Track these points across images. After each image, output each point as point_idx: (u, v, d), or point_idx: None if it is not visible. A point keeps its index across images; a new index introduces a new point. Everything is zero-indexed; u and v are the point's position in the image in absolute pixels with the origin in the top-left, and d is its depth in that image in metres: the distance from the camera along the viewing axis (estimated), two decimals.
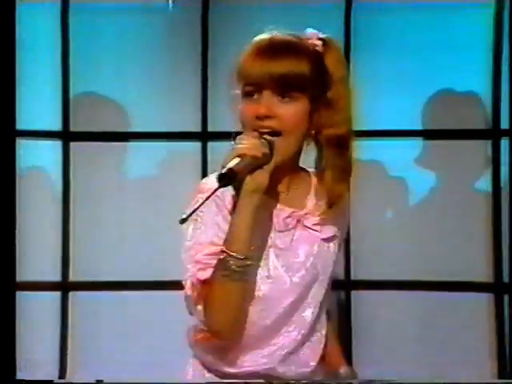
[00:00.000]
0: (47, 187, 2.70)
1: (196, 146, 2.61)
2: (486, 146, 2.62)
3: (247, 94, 1.46)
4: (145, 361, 2.64)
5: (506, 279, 2.61)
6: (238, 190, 1.44)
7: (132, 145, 2.67)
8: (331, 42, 1.53)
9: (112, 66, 2.68)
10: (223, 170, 1.38)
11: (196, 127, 2.61)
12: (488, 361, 2.70)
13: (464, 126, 2.62)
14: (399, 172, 2.61)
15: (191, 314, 1.52)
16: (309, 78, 1.45)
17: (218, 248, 1.46)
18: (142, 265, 2.63)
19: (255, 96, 1.45)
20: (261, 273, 1.52)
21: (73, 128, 2.64)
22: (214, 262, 1.46)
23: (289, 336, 1.56)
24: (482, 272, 2.60)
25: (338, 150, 1.50)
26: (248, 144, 1.42)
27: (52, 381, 2.56)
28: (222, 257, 1.45)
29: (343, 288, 2.63)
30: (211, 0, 2.68)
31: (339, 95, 1.49)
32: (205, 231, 1.49)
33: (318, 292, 1.56)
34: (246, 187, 1.41)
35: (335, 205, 1.53)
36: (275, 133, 1.44)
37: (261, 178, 1.42)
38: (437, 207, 2.65)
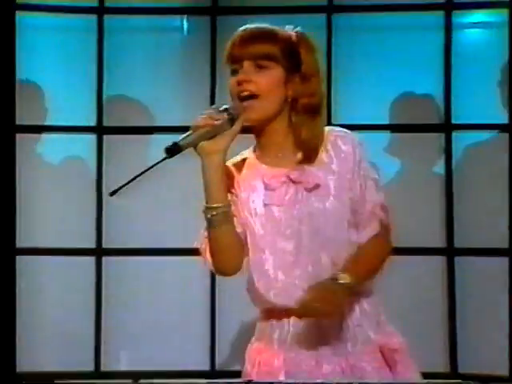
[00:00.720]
0: (85, 172, 2.90)
1: None
2: (440, 138, 2.83)
3: (233, 72, 1.67)
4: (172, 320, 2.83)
5: (456, 245, 2.78)
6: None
7: (154, 137, 2.88)
8: (304, 34, 1.72)
9: (138, 73, 2.85)
10: (169, 144, 1.57)
11: None
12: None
13: (422, 121, 2.86)
14: (373, 158, 2.64)
15: (209, 268, 1.72)
16: (280, 53, 1.66)
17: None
18: (161, 234, 2.81)
19: (239, 72, 1.65)
20: (260, 226, 1.67)
21: (105, 123, 2.87)
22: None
23: (305, 275, 1.64)
24: (436, 238, 2.77)
25: (311, 115, 1.67)
26: (202, 118, 1.59)
27: (52, 381, 2.72)
28: (203, 211, 1.64)
29: None
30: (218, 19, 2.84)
31: (312, 73, 1.69)
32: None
33: (322, 233, 1.64)
34: (202, 151, 1.59)
35: (313, 160, 1.67)
36: (252, 96, 1.63)
37: (220, 141, 1.59)
38: (401, 186, 2.86)
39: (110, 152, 2.89)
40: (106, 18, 2.89)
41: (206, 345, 2.83)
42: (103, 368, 2.85)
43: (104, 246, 2.89)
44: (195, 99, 2.85)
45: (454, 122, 2.85)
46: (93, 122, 2.89)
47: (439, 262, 2.84)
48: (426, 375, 2.52)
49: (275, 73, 1.65)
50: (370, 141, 2.69)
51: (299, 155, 1.70)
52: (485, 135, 2.87)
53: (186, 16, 2.90)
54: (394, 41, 2.83)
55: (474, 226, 2.81)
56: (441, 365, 2.78)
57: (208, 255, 1.72)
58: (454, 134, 2.84)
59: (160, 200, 2.87)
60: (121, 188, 1.57)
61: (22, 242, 2.78)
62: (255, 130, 1.72)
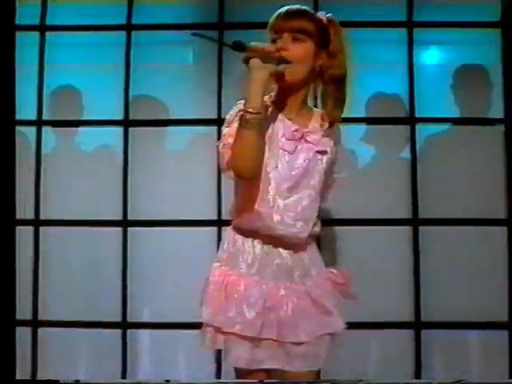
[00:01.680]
0: (113, 158, 3.11)
1: (213, 128, 2.99)
2: (406, 129, 3.06)
3: (273, 41, 1.94)
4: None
5: (420, 215, 2.99)
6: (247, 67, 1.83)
7: (170, 129, 3.13)
8: (334, 19, 1.99)
9: (157, 77, 3.07)
10: (238, 40, 1.83)
11: (213, 115, 3.01)
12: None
13: (392, 115, 3.09)
14: (351, 145, 3.02)
15: (223, 167, 1.93)
16: (313, 30, 1.94)
17: (238, 111, 1.88)
18: (176, 207, 3.03)
19: (278, 41, 1.93)
20: (272, 164, 1.93)
21: (131, 117, 3.11)
22: (236, 126, 1.87)
23: (291, 212, 1.93)
24: (402, 210, 3.00)
25: (337, 85, 1.96)
26: (266, 45, 1.89)
27: (50, 380, 2.82)
28: (240, 113, 1.86)
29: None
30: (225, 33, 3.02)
31: (338, 50, 1.96)
32: (231, 126, 1.93)
33: (310, 185, 1.95)
34: (254, 64, 1.86)
35: (329, 131, 1.96)
36: (287, 61, 1.91)
37: (267, 66, 1.86)
38: (375, 169, 3.08)
39: (135, 141, 3.12)
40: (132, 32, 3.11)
41: None
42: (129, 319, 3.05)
43: (129, 218, 3.07)
44: (204, 98, 3.07)
45: (417, 115, 3.08)
46: (120, 117, 3.12)
47: (406, 231, 3.03)
48: (393, 324, 2.94)
49: (307, 46, 1.94)
50: (349, 132, 2.88)
51: (313, 121, 1.99)
52: (441, 127, 3.11)
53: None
54: (369, 51, 3.00)
55: (435, 200, 3.02)
56: (407, 315, 3.00)
57: (227, 155, 1.91)
58: (417, 126, 3.09)
59: (175, 180, 3.06)
60: (200, 36, 1.85)
61: (61, 215, 3.05)
62: (284, 88, 1.97)
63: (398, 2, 3.09)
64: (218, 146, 1.98)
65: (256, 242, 1.99)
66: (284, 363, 2.00)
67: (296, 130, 1.96)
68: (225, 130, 1.97)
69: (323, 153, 1.98)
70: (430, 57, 3.17)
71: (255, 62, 1.85)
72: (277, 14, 1.95)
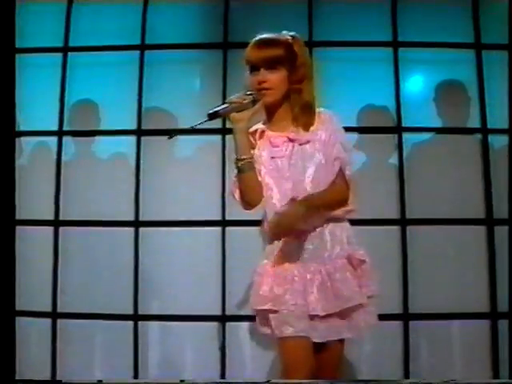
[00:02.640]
0: (126, 164, 3.24)
1: (218, 137, 3.15)
2: (394, 138, 3.19)
3: (251, 71, 2.15)
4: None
5: (408, 216, 3.09)
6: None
7: (179, 137, 3.04)
8: (296, 36, 2.18)
9: (167, 91, 3.21)
10: (211, 111, 2.05)
11: (218, 125, 3.07)
12: None
13: (381, 124, 3.22)
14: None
15: (237, 199, 2.16)
16: (284, 58, 2.13)
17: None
18: (184, 209, 3.16)
19: (255, 72, 2.14)
20: (270, 173, 2.14)
21: (143, 127, 3.24)
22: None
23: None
24: (391, 211, 3.11)
25: (300, 94, 2.14)
26: (235, 97, 2.11)
27: (49, 381, 2.98)
28: (235, 162, 2.11)
29: None
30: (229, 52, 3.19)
31: (302, 64, 2.15)
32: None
33: (311, 175, 2.10)
34: (233, 119, 2.10)
35: (306, 127, 2.14)
36: (268, 89, 2.11)
37: (246, 114, 2.09)
38: (366, 173, 3.17)
39: (146, 149, 3.24)
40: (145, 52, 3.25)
41: (218, 296, 3.11)
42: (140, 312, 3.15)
43: (140, 219, 3.18)
44: (210, 109, 2.82)
45: (403, 125, 3.22)
46: (133, 127, 3.25)
47: (395, 230, 3.14)
48: (383, 316, 2.92)
49: (281, 73, 2.14)
50: None
51: (294, 125, 2.15)
52: (426, 135, 3.25)
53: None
54: (360, 68, 3.18)
55: (421, 201, 3.15)
56: (396, 308, 3.11)
57: (237, 193, 2.18)
58: (404, 135, 3.22)
59: (184, 184, 3.19)
60: (197, 124, 2.03)
61: (79, 216, 3.20)
62: (267, 109, 2.18)
63: (384, 24, 3.24)
64: (232, 181, 2.20)
65: (283, 239, 2.15)
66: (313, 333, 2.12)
67: (279, 136, 2.16)
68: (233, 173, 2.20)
69: (307, 142, 2.15)
70: (415, 72, 3.30)
71: (234, 116, 2.10)
72: (249, 47, 2.15)
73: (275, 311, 2.12)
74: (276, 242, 2.16)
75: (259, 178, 2.15)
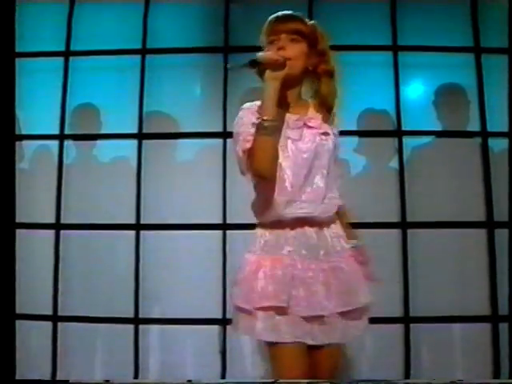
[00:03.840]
0: (127, 167, 3.18)
1: (219, 141, 3.10)
2: (394, 141, 3.15)
3: (270, 42, 2.03)
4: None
5: (408, 219, 3.04)
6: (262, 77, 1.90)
7: (180, 141, 3.21)
8: (318, 24, 2.10)
9: (168, 95, 3.16)
10: (251, 58, 1.92)
11: (219, 129, 3.09)
12: None
13: (381, 128, 3.17)
14: (345, 156, 2.98)
15: (242, 170, 1.96)
16: (305, 32, 2.05)
17: (255, 121, 1.93)
18: (185, 212, 3.10)
19: (275, 42, 2.03)
20: (283, 153, 1.98)
21: (144, 131, 3.18)
22: (253, 132, 1.91)
23: (309, 193, 1.99)
24: (391, 214, 3.06)
25: (329, 78, 2.07)
26: (270, 55, 1.97)
27: (50, 380, 2.91)
28: (258, 121, 1.92)
29: None
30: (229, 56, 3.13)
31: (325, 49, 2.08)
32: (245, 124, 1.98)
33: (321, 165, 2.02)
34: (268, 75, 1.95)
35: (327, 116, 2.05)
36: (287, 58, 1.99)
37: (279, 73, 1.95)
38: (367, 177, 3.18)
39: (147, 153, 3.19)
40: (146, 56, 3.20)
41: (218, 299, 3.04)
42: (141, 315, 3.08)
43: (141, 222, 3.13)
44: (211, 113, 3.16)
45: (403, 129, 3.17)
46: (134, 131, 3.20)
47: (396, 233, 3.09)
48: (381, 319, 2.90)
49: (302, 45, 2.05)
50: (343, 143, 2.77)
51: (311, 109, 2.07)
52: (426, 139, 3.20)
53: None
54: (360, 72, 3.09)
55: (421, 205, 3.09)
56: (397, 311, 3.06)
57: (247, 159, 1.95)
58: (404, 139, 3.17)
59: (184, 188, 3.13)
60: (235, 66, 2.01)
61: (80, 220, 3.13)
62: (284, 82, 2.00)
63: (383, 27, 3.20)
64: (237, 151, 1.98)
65: (282, 229, 2.02)
66: (308, 337, 1.98)
67: (298, 119, 2.04)
68: (239, 134, 1.99)
69: (326, 134, 2.07)
70: (414, 76, 3.25)
71: (268, 74, 1.95)
72: (273, 18, 2.06)
73: (268, 309, 1.95)
74: (273, 233, 2.01)
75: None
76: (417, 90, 3.25)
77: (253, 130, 1.96)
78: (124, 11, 3.24)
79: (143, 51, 3.23)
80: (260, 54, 1.95)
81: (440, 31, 3.20)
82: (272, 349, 1.98)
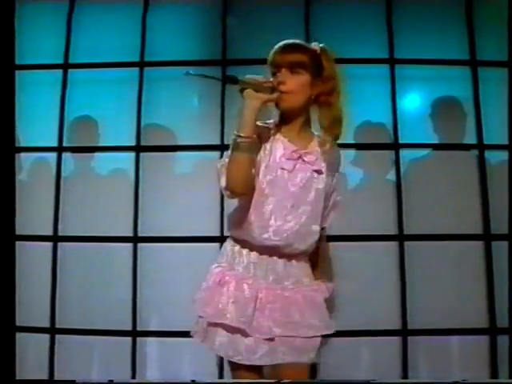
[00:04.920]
0: (125, 180, 3.14)
1: (217, 153, 3.00)
2: (391, 154, 3.11)
3: (273, 74, 1.98)
4: None
5: (405, 231, 3.01)
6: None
7: (178, 154, 3.18)
8: (326, 48, 2.03)
9: (166, 108, 3.14)
10: (231, 74, 1.89)
11: (217, 142, 3.06)
12: None
13: (378, 141, 3.13)
14: (342, 169, 2.58)
15: (220, 186, 1.92)
16: (308, 62, 1.98)
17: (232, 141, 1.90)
18: (183, 225, 3.05)
19: (277, 74, 1.97)
20: (272, 181, 1.96)
21: (142, 144, 3.15)
22: (229, 153, 1.91)
23: (288, 225, 1.96)
24: (389, 227, 3.02)
25: (332, 106, 2.00)
26: (259, 77, 1.94)
27: (50, 380, 2.87)
28: (233, 138, 1.90)
29: None
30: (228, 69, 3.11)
31: (330, 76, 2.01)
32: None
33: (307, 201, 1.98)
34: (247, 94, 1.91)
35: (329, 152, 1.99)
36: (286, 92, 1.94)
37: (260, 95, 1.91)
38: (364, 190, 3.14)
39: (145, 165, 3.16)
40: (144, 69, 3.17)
41: None
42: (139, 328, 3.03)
43: (139, 234, 3.09)
44: (208, 126, 3.13)
45: (400, 142, 3.13)
46: (132, 143, 3.17)
47: (393, 245, 3.05)
48: (379, 332, 2.94)
49: (303, 77, 1.98)
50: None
51: (313, 143, 2.01)
52: (423, 152, 3.16)
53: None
54: (357, 84, 2.97)
55: (418, 217, 3.06)
56: (395, 323, 3.01)
57: (223, 174, 1.94)
58: (401, 151, 3.14)
59: (182, 200, 3.09)
60: (196, 75, 1.90)
61: (78, 232, 3.08)
62: (285, 114, 2.01)
63: (380, 41, 3.17)
64: (217, 167, 1.99)
65: (252, 252, 2.00)
66: (269, 358, 1.97)
67: (295, 151, 1.99)
68: (225, 153, 2.01)
69: (319, 172, 2.01)
70: (411, 89, 3.22)
71: (248, 92, 1.90)
72: (274, 49, 2.00)
73: (225, 326, 1.96)
74: (246, 254, 1.99)
75: (263, 181, 1.95)
76: (413, 103, 3.22)
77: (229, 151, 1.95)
78: (122, 23, 3.21)
79: (141, 64, 3.20)
80: (248, 76, 1.91)
81: (436, 44, 3.16)
82: (230, 363, 2.01)
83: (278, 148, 2.00)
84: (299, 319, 1.99)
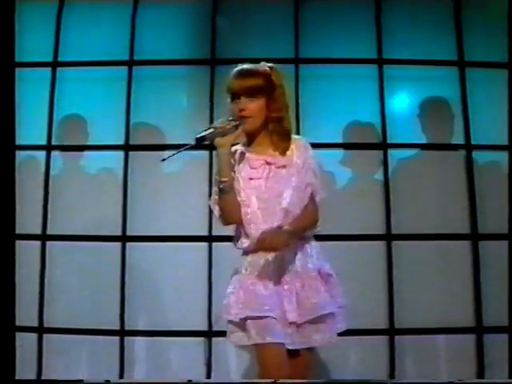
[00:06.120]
0: (114, 178, 3.11)
1: (205, 153, 3.02)
2: (379, 153, 3.09)
3: (232, 99, 2.17)
4: None
5: (393, 231, 2.99)
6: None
7: (166, 153, 2.76)
8: (274, 67, 2.21)
9: (154, 107, 3.09)
10: (198, 135, 2.06)
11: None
12: None
13: (366, 141, 3.12)
14: (330, 168, 3.05)
15: (216, 215, 2.18)
16: (263, 87, 2.16)
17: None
18: (171, 223, 3.04)
19: (236, 100, 2.15)
20: (249, 194, 2.14)
21: (131, 143, 3.12)
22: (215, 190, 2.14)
23: (274, 223, 2.11)
24: (377, 226, 3.00)
25: (280, 123, 2.17)
26: (219, 122, 2.13)
27: (50, 380, 2.81)
28: (217, 183, 2.12)
29: None
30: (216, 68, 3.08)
31: (279, 93, 2.17)
32: (215, 181, 2.17)
33: (283, 196, 2.13)
34: (218, 143, 2.12)
35: (282, 151, 2.17)
36: (247, 117, 2.13)
37: (228, 138, 2.10)
38: (352, 189, 3.13)
39: (134, 164, 3.12)
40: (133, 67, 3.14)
41: (204, 310, 2.98)
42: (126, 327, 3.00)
43: (128, 233, 3.05)
44: (197, 125, 2.83)
45: (388, 142, 3.12)
46: (121, 142, 3.13)
47: (380, 245, 3.03)
48: (366, 331, 2.91)
49: (260, 101, 2.16)
50: (328, 156, 3.07)
51: (272, 149, 2.19)
52: (411, 152, 3.14)
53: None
54: (346, 84, 3.09)
55: (406, 217, 3.04)
56: (382, 322, 2.99)
57: (217, 210, 2.19)
58: (389, 151, 3.13)
59: (171, 200, 3.07)
60: (169, 157, 2.04)
61: (66, 231, 3.02)
62: (247, 134, 2.20)
63: (369, 41, 3.15)
64: (209, 204, 2.22)
65: (256, 255, 2.16)
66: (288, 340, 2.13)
67: (258, 159, 2.18)
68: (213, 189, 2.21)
69: (284, 167, 2.16)
70: (399, 89, 3.19)
71: (218, 140, 2.10)
72: (231, 76, 2.16)
73: (258, 318, 2.11)
74: (254, 257, 2.15)
75: (238, 198, 2.15)
76: (402, 103, 3.19)
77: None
78: (111, 22, 3.17)
79: (130, 63, 3.16)
80: (207, 133, 2.06)
81: (425, 45, 3.14)
82: (259, 350, 2.14)
83: (246, 163, 2.19)
84: (316, 301, 2.14)
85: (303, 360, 2.22)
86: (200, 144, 2.05)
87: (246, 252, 2.22)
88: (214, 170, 2.19)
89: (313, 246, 2.22)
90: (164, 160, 2.13)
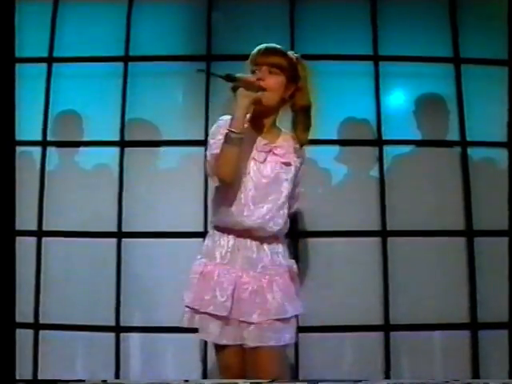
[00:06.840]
0: (109, 174, 3.07)
1: (201, 149, 2.86)
2: (374, 150, 3.07)
3: (253, 71, 2.15)
4: None
5: (388, 227, 2.97)
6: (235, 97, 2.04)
7: (162, 149, 3.10)
8: (301, 59, 2.22)
9: (150, 103, 3.06)
10: (230, 73, 2.05)
11: (201, 137, 2.96)
12: None
13: (362, 137, 3.09)
14: (326, 165, 3.06)
15: (209, 173, 2.13)
16: (285, 66, 2.15)
17: (223, 132, 2.09)
18: (167, 219, 3.00)
19: (257, 72, 2.14)
20: (244, 171, 2.13)
21: (126, 139, 3.09)
22: (221, 142, 2.07)
23: (260, 212, 2.13)
24: (372, 223, 2.98)
25: (304, 114, 2.18)
26: (249, 76, 2.10)
27: (49, 380, 2.78)
28: (226, 132, 2.07)
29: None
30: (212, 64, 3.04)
31: (304, 85, 2.19)
32: (217, 133, 2.13)
33: (277, 191, 2.15)
34: (240, 92, 2.08)
35: (296, 149, 2.18)
36: (264, 89, 2.11)
37: (251, 93, 2.07)
38: (347, 186, 3.10)
39: (130, 160, 3.09)
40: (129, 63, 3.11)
41: None
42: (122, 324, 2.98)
43: (123, 230, 3.02)
44: (192, 122, 3.05)
45: (384, 138, 3.09)
46: (116, 138, 3.10)
47: (376, 241, 3.01)
48: (361, 327, 2.90)
49: (280, 78, 2.16)
50: (324, 152, 3.10)
51: (281, 139, 2.19)
52: (406, 148, 3.11)
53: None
54: (341, 81, 3.05)
55: (401, 213, 3.02)
56: (378, 318, 2.98)
57: (213, 162, 2.10)
58: (385, 148, 3.10)
59: (166, 195, 3.03)
60: (202, 70, 2.14)
61: (62, 227, 3.00)
62: (259, 111, 2.15)
63: (364, 37, 3.12)
64: (205, 155, 2.15)
65: (229, 236, 2.16)
66: (243, 339, 2.12)
67: (266, 144, 2.18)
68: (211, 141, 2.16)
69: (288, 164, 2.18)
70: (395, 86, 3.16)
71: (242, 91, 2.06)
72: (257, 49, 2.15)
73: (217, 317, 2.11)
74: (224, 241, 2.15)
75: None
76: (397, 100, 3.16)
77: (222, 140, 2.11)
78: (107, 18, 3.13)
79: (125, 59, 3.12)
80: (239, 74, 2.06)
81: (420, 41, 3.10)
82: (216, 348, 2.18)
83: (252, 142, 2.15)
84: (275, 302, 2.13)
85: (267, 356, 2.13)
86: (228, 80, 2.03)
87: (216, 228, 2.18)
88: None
89: (282, 242, 2.20)
90: (199, 71, 2.23)
